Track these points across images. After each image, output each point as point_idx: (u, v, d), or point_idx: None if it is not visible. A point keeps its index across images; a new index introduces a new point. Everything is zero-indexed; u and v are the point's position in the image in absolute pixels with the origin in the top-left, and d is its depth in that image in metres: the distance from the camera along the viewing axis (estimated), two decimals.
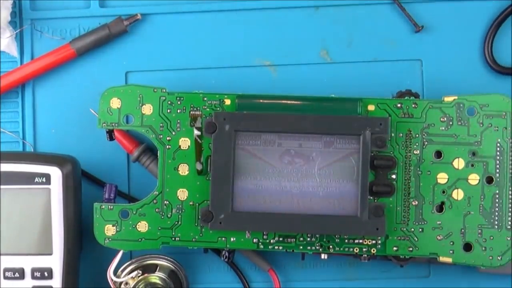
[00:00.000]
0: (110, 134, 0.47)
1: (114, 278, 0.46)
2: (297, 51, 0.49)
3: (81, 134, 0.50)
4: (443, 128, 0.45)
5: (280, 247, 0.45)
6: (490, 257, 0.44)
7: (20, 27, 0.49)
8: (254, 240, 0.45)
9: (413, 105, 0.45)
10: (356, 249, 0.45)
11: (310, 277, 0.49)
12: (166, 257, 0.47)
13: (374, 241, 0.45)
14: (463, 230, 0.44)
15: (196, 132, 0.45)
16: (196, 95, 0.46)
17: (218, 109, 0.45)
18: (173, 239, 0.45)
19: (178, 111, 0.46)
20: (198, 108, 0.45)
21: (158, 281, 0.47)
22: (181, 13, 0.50)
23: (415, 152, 0.45)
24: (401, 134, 0.45)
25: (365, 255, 0.45)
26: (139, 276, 0.46)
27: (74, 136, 0.50)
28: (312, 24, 0.49)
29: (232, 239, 0.45)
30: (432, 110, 0.45)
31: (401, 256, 0.45)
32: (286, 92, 0.46)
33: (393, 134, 0.45)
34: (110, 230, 0.45)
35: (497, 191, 0.44)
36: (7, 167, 0.44)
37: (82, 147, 0.49)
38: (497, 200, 0.44)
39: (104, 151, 0.49)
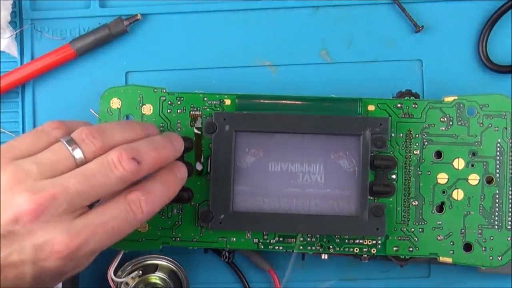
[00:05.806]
0: None
1: (115, 278, 0.46)
2: (297, 51, 0.49)
3: None
4: (443, 128, 0.45)
5: (280, 247, 0.45)
6: (490, 257, 0.44)
7: (20, 27, 0.49)
8: (254, 240, 0.45)
9: (413, 105, 0.45)
10: (356, 249, 0.45)
11: (310, 277, 0.49)
12: (166, 257, 0.47)
13: (374, 241, 0.45)
14: (463, 230, 0.44)
15: (196, 132, 0.45)
16: (196, 95, 0.46)
17: (218, 109, 0.45)
18: (173, 239, 0.45)
19: (178, 111, 0.46)
20: (198, 108, 0.45)
21: (158, 281, 0.47)
22: (181, 13, 0.49)
23: (415, 152, 0.45)
24: (401, 134, 0.45)
25: (365, 255, 0.45)
26: (139, 276, 0.46)
27: None
28: (312, 24, 0.49)
29: (232, 239, 0.45)
30: (432, 110, 0.45)
31: (401, 256, 0.45)
32: (286, 92, 0.46)
33: (393, 134, 0.45)
34: None
35: (497, 191, 0.44)
36: None
37: None
38: (497, 200, 0.44)
39: None
